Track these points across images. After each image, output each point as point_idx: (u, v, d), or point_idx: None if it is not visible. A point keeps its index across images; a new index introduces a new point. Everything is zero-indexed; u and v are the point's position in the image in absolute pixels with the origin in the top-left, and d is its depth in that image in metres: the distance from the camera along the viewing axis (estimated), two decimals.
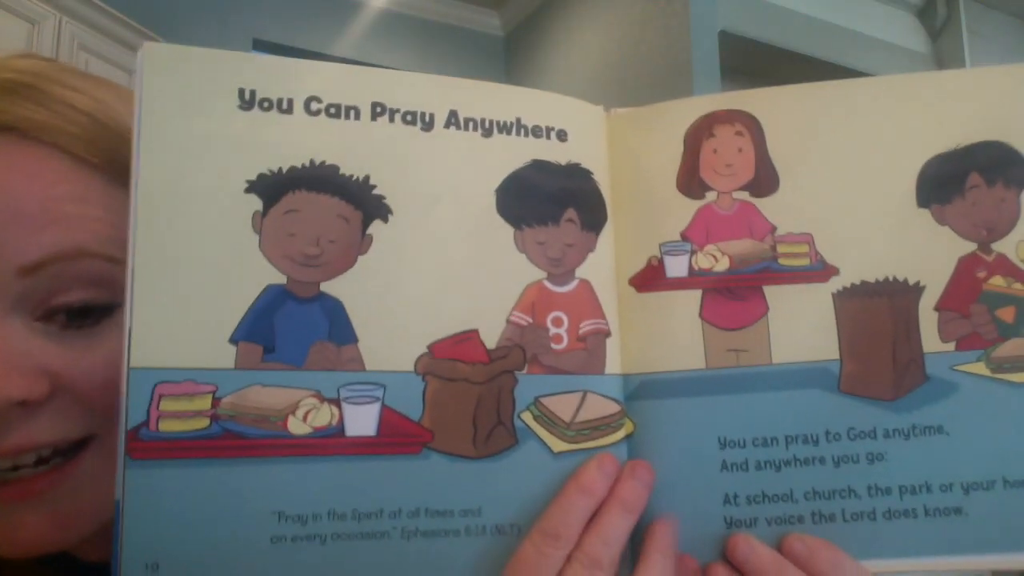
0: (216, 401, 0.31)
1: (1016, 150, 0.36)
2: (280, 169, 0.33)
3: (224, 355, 0.32)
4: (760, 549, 0.34)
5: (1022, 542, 0.34)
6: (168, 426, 0.31)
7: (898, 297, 0.35)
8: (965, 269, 0.35)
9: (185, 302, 0.31)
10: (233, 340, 0.32)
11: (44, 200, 0.33)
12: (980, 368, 0.35)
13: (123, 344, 0.31)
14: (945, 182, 0.36)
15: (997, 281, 0.35)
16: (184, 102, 0.32)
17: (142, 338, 0.31)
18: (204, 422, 0.31)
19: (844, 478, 0.35)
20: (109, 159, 0.34)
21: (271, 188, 0.32)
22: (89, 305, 0.34)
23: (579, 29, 3.06)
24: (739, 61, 2.69)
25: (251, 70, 0.33)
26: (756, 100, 0.37)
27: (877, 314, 0.35)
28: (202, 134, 0.32)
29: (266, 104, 0.33)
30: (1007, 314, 0.35)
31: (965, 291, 0.35)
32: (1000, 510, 0.34)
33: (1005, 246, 0.36)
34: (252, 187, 0.32)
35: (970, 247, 0.36)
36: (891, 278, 0.36)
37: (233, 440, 0.31)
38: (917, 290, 0.35)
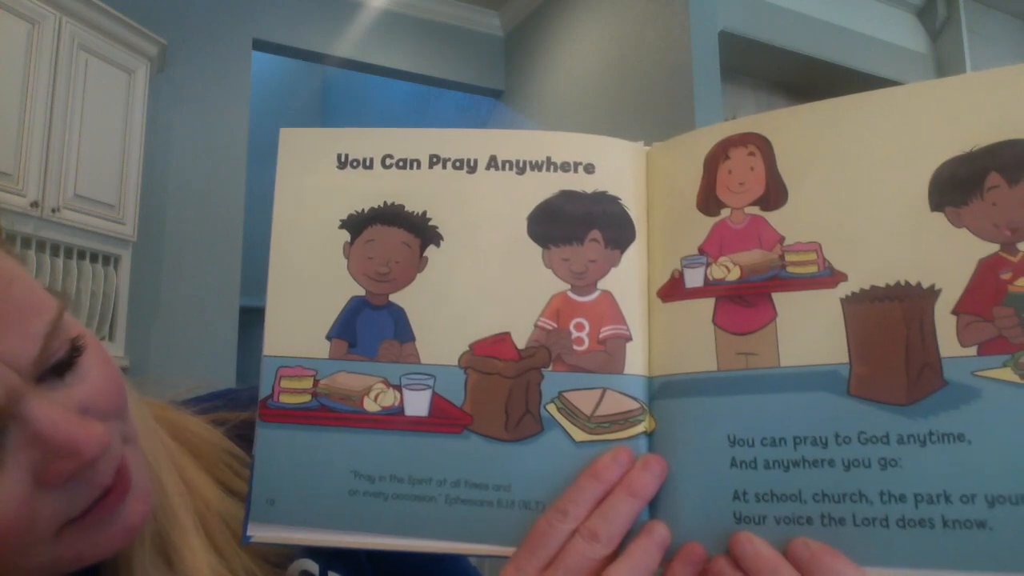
0: (316, 383, 0.42)
1: None
2: (363, 209, 0.43)
3: (322, 348, 0.42)
4: (760, 547, 0.35)
5: None
6: (285, 399, 0.42)
7: (910, 301, 0.35)
8: (987, 271, 0.34)
9: (298, 308, 0.43)
10: (328, 337, 0.42)
11: (34, 289, 0.34)
12: (1006, 374, 0.33)
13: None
14: (961, 184, 0.35)
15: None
16: (302, 165, 0.44)
17: (271, 334, 0.43)
18: (307, 397, 0.42)
19: (855, 482, 0.35)
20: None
21: (356, 224, 0.43)
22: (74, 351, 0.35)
23: (579, 29, 2.99)
24: (739, 61, 2.60)
25: (345, 139, 0.44)
26: (767, 121, 0.40)
27: (887, 318, 0.35)
28: (312, 187, 0.44)
29: (355, 163, 0.44)
30: None
31: (987, 294, 0.34)
32: None
33: None
34: (344, 224, 0.43)
35: (992, 248, 0.34)
36: (903, 282, 0.35)
37: (326, 412, 0.42)
38: (932, 293, 0.35)
